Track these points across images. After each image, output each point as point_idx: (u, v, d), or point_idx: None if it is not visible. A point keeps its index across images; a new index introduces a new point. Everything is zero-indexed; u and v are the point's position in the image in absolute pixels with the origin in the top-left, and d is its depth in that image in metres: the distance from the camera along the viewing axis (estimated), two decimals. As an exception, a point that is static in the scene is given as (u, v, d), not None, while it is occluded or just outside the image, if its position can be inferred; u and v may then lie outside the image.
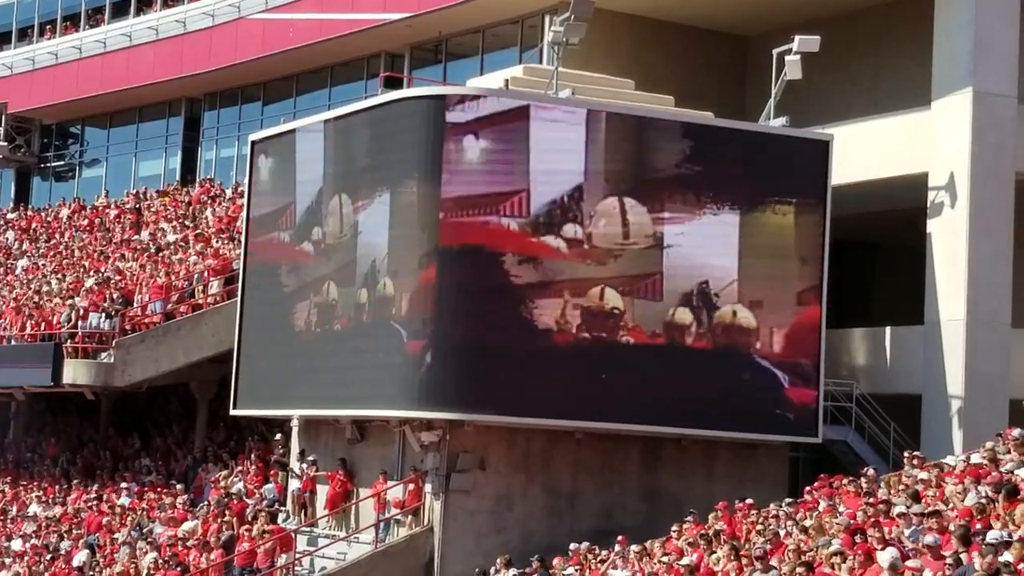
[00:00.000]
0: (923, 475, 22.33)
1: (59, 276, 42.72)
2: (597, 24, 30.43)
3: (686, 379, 27.54)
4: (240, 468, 33.56)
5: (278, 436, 32.82)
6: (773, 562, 19.12)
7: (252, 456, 33.66)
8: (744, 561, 19.85)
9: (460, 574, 26.91)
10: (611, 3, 33.86)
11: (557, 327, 26.97)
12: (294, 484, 30.58)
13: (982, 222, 29.52)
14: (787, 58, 29.29)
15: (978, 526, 17.24)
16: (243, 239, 32.87)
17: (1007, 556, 15.68)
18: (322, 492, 29.92)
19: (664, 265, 27.53)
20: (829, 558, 17.95)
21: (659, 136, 27.94)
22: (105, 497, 35.84)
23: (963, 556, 16.38)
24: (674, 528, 24.10)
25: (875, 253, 35.97)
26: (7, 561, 34.10)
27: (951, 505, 19.70)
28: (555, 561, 24.98)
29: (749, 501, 24.68)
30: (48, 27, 54.56)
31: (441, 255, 27.04)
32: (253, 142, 33.06)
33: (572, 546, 25.43)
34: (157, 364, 35.48)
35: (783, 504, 23.98)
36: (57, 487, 38.47)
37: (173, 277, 37.22)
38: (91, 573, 32.21)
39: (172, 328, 35.62)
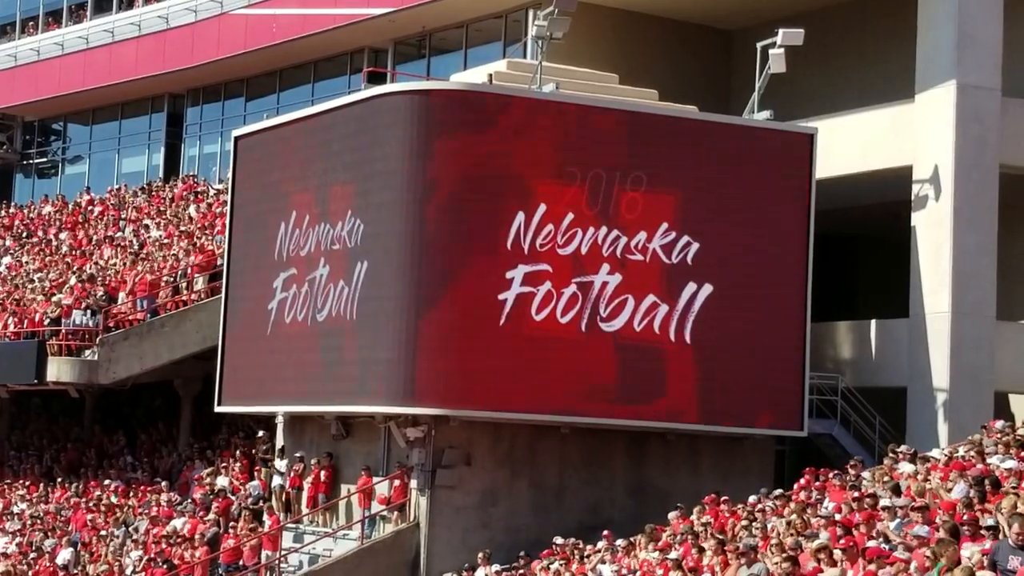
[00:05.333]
0: (909, 468, 22.34)
1: (42, 273, 42.58)
2: (581, 18, 30.40)
3: (671, 373, 27.51)
4: (224, 465, 33.50)
5: (261, 433, 32.77)
6: (759, 556, 19.10)
7: (237, 453, 33.60)
8: (730, 555, 19.83)
9: (446, 570, 26.88)
10: (595, -3, 33.91)
11: (542, 321, 26.90)
12: (278, 481, 30.52)
13: (966, 215, 29.53)
14: (771, 52, 29.28)
15: (965, 517, 17.24)
16: (227, 235, 32.77)
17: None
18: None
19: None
20: (815, 553, 17.93)
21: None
22: (94, 494, 35.69)
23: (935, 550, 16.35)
24: (649, 526, 24.08)
25: (859, 246, 35.99)
26: (-9, 559, 34.03)
27: (936, 499, 19.69)
28: (537, 562, 24.97)
29: (752, 498, 24.55)
30: (30, 23, 54.39)
31: (427, 249, 26.98)
32: (236, 138, 32.97)
33: (558, 540, 25.40)
34: (141, 361, 35.39)
35: (766, 497, 23.98)
36: (41, 485, 38.35)
37: (157, 273, 37.10)
38: (75, 571, 32.12)
39: (156, 325, 35.53)
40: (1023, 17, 31.31)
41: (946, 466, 21.70)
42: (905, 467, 22.64)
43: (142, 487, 35.25)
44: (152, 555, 29.89)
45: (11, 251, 48.26)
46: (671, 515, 24.65)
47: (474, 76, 31.32)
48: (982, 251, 29.64)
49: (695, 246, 27.64)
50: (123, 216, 46.07)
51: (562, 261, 27.02)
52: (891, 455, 24.07)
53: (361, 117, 28.56)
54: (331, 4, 41.10)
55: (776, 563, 18.09)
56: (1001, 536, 16.31)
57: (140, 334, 35.50)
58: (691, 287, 27.56)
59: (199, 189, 45.08)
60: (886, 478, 22.24)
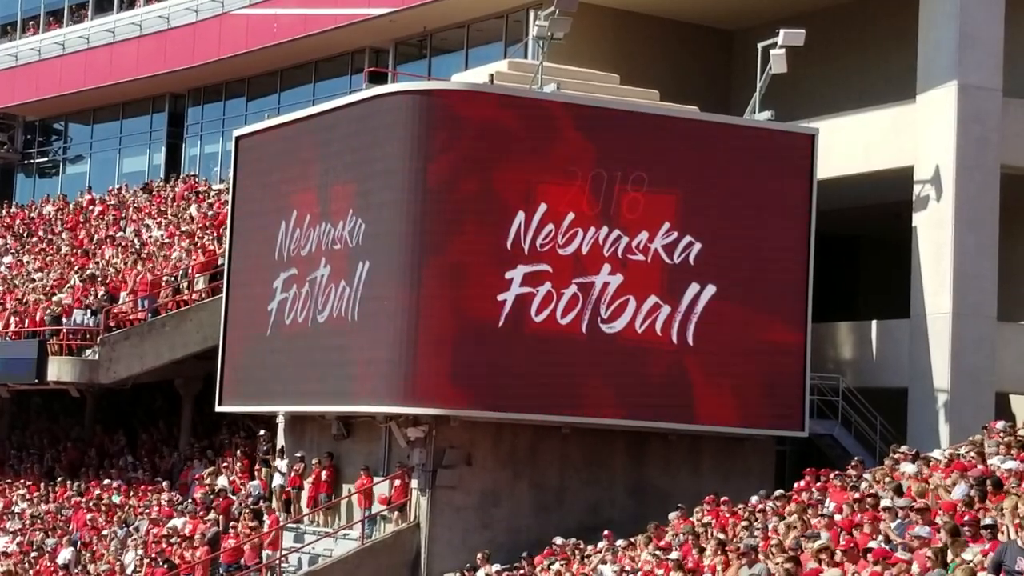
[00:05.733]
0: (911, 468, 22.34)
1: (43, 273, 42.59)
2: (582, 19, 30.39)
3: (671, 373, 27.49)
4: (225, 464, 33.50)
5: (263, 432, 32.77)
6: (760, 556, 19.10)
7: (238, 453, 33.61)
8: (731, 556, 19.82)
9: (446, 570, 26.88)
10: (596, -2, 33.90)
11: (542, 322, 26.87)
12: (278, 480, 30.52)
13: (967, 215, 29.52)
14: (772, 52, 29.28)
15: (966, 518, 17.25)
16: (228, 235, 32.77)
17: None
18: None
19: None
20: (816, 553, 17.93)
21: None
22: (96, 494, 35.69)
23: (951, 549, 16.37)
24: (653, 523, 24.08)
25: (860, 247, 35.98)
26: (-8, 559, 34.04)
27: (939, 499, 19.69)
28: (536, 561, 24.96)
29: (753, 499, 24.57)
30: (31, 23, 54.39)
31: (427, 249, 26.97)
32: (237, 138, 32.96)
33: (558, 540, 25.40)
34: (142, 361, 35.39)
35: (765, 499, 23.97)
36: (42, 484, 38.35)
37: (158, 273, 37.09)
38: (76, 570, 32.12)
39: (157, 324, 35.52)
40: (1024, 17, 31.33)
41: (947, 467, 21.71)
42: (907, 467, 22.63)
43: (143, 487, 35.24)
44: (153, 555, 29.91)
45: (12, 250, 48.28)
46: (672, 515, 24.65)
47: (475, 76, 31.32)
48: (983, 252, 29.63)
49: (697, 246, 27.62)
50: (124, 216, 46.07)
51: (563, 261, 27.01)
52: (892, 456, 24.06)
53: (362, 117, 28.56)
54: (332, 4, 41.08)
55: (777, 564, 18.09)
56: (1003, 536, 16.29)
57: (141, 334, 35.50)
58: (694, 288, 27.54)
59: (200, 189, 45.07)
60: (887, 479, 22.24)
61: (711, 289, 27.63)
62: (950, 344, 29.20)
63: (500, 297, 26.67)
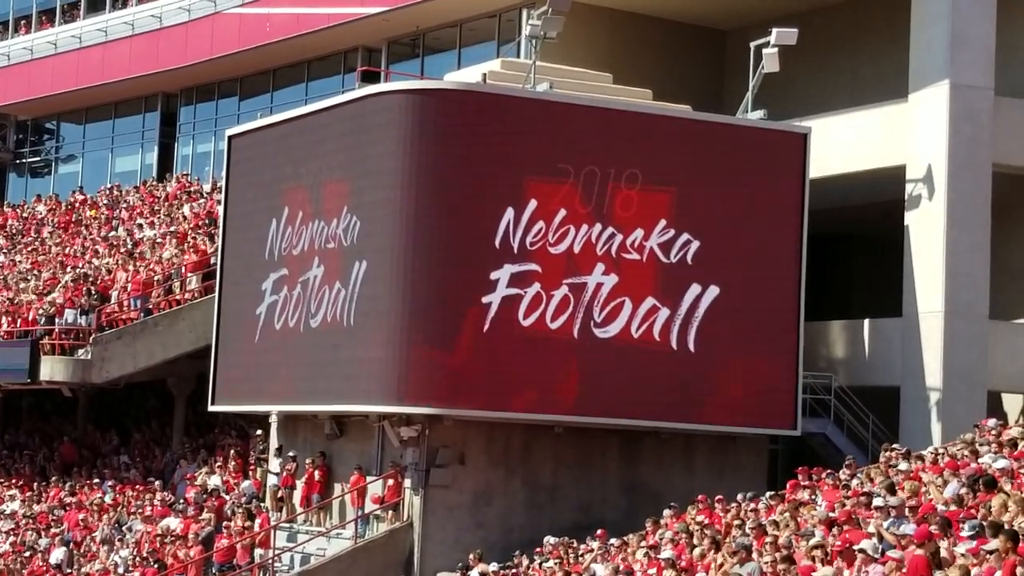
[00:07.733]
0: (906, 466, 22.37)
1: (35, 272, 42.54)
2: (575, 18, 30.41)
3: (667, 372, 27.49)
4: (218, 464, 33.48)
5: (259, 432, 32.75)
6: (754, 555, 19.11)
7: (231, 452, 33.58)
8: (724, 554, 19.83)
9: (439, 569, 26.89)
10: (588, -3, 33.93)
11: (532, 325, 26.84)
12: (272, 480, 30.51)
13: (959, 214, 29.58)
14: (765, 51, 29.29)
15: (961, 515, 17.27)
16: (221, 234, 32.74)
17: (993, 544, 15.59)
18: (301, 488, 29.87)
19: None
20: (809, 551, 17.95)
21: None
22: (87, 494, 35.64)
23: (943, 545, 16.40)
24: (649, 522, 24.09)
25: (853, 245, 36.03)
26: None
27: (930, 498, 19.72)
28: (532, 559, 24.99)
29: (739, 496, 24.59)
30: (23, 22, 54.36)
31: (419, 248, 26.95)
32: (230, 137, 32.94)
33: (549, 540, 25.39)
34: (135, 360, 35.37)
35: (753, 497, 24.01)
36: (34, 484, 38.29)
37: (151, 273, 37.06)
38: (69, 570, 32.09)
39: (149, 324, 35.51)
40: (1016, 16, 31.39)
41: (934, 464, 21.73)
42: (903, 466, 22.66)
43: (136, 486, 35.21)
44: (144, 554, 29.89)
45: (4, 250, 48.21)
46: (665, 513, 24.66)
47: (468, 76, 31.32)
48: (975, 250, 29.69)
49: (695, 244, 27.58)
50: (116, 215, 46.03)
51: (553, 260, 26.94)
52: (886, 453, 24.08)
53: (355, 116, 28.54)
54: (325, 3, 41.09)
55: (770, 562, 18.10)
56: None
57: (133, 333, 35.48)
58: (695, 289, 27.44)
59: (192, 188, 45.05)
60: (880, 477, 22.26)
61: (714, 291, 27.55)
62: (942, 343, 29.26)
63: (485, 299, 26.58)
